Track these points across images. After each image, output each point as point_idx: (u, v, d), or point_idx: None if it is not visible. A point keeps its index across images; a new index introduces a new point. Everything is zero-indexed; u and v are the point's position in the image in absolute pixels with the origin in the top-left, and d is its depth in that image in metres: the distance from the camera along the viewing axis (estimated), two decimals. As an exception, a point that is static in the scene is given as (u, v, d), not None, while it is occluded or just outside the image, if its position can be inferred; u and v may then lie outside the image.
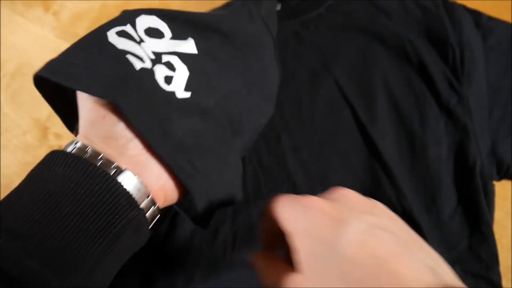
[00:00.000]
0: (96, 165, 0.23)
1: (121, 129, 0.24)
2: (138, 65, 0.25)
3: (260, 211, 0.41)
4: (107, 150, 0.24)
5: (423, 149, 0.42)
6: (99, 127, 0.24)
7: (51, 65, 0.25)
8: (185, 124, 0.26)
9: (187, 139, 0.26)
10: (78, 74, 0.24)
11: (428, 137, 0.42)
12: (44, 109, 0.51)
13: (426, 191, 0.41)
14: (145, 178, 0.24)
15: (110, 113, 0.24)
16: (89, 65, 0.25)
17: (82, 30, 0.54)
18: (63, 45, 0.53)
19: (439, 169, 0.41)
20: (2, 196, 0.48)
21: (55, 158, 0.23)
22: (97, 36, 0.26)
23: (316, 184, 0.42)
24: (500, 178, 0.42)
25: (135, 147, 0.24)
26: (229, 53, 0.29)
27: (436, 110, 0.43)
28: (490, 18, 0.46)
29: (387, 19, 0.46)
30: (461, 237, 0.40)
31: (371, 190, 0.41)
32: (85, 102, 0.25)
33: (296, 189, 0.42)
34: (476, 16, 0.46)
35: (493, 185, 0.41)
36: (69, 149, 0.24)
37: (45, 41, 0.54)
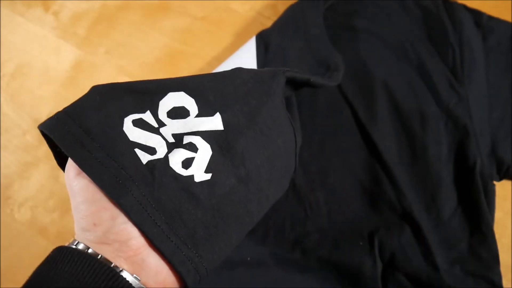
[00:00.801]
0: (101, 262, 0.23)
1: (118, 228, 0.24)
2: (145, 158, 0.25)
3: None
4: (103, 253, 0.24)
5: (423, 149, 0.42)
6: (91, 234, 0.24)
7: (66, 122, 0.25)
8: (198, 213, 0.25)
9: (197, 229, 0.25)
10: (89, 153, 0.24)
11: (428, 137, 0.42)
12: (44, 109, 0.51)
13: (426, 191, 0.41)
14: (143, 277, 0.24)
15: (107, 210, 0.24)
16: (102, 149, 0.24)
17: (82, 30, 0.54)
18: (63, 45, 0.53)
19: (439, 169, 0.41)
20: (2, 196, 0.48)
21: (61, 255, 0.23)
22: (116, 116, 0.26)
23: (316, 184, 0.42)
24: (500, 178, 0.42)
25: (133, 245, 0.24)
26: (256, 127, 0.28)
27: (436, 110, 0.43)
28: (490, 18, 0.46)
29: (387, 19, 0.46)
30: (461, 237, 0.40)
31: (371, 190, 0.41)
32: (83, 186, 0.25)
33: (296, 189, 0.42)
34: (477, 15, 0.46)
35: (493, 185, 0.41)
36: (72, 246, 0.24)
37: (45, 41, 0.54)
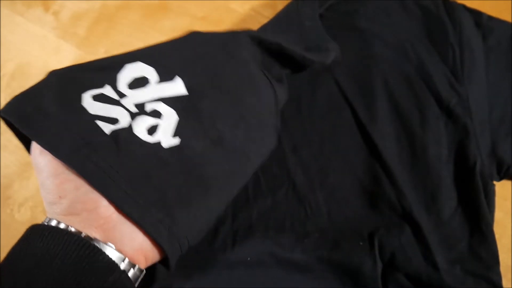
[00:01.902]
0: (71, 233, 0.23)
1: (84, 198, 0.24)
2: (108, 128, 0.25)
3: (260, 211, 0.41)
4: (73, 224, 0.24)
5: (423, 149, 0.42)
6: (58, 207, 0.24)
7: (23, 104, 0.25)
8: (168, 176, 0.25)
9: (168, 193, 0.25)
10: (46, 128, 0.24)
11: (428, 137, 0.42)
12: (44, 109, 0.51)
13: (426, 191, 0.41)
14: (118, 244, 0.24)
15: (71, 181, 0.24)
16: (58, 123, 0.24)
17: (82, 30, 0.54)
18: (63, 45, 0.53)
19: (439, 169, 0.41)
20: (2, 196, 0.48)
21: (33, 233, 0.23)
22: (74, 93, 0.26)
23: (316, 184, 0.42)
24: (500, 178, 0.42)
25: (103, 212, 0.24)
26: (221, 87, 0.28)
27: (436, 110, 0.43)
28: (490, 18, 0.45)
29: (387, 19, 0.46)
30: (461, 237, 0.40)
31: (371, 190, 0.41)
32: (45, 162, 0.25)
33: (296, 189, 0.42)
34: (476, 15, 0.46)
35: (493, 185, 0.41)
36: (45, 223, 0.24)
37: (45, 41, 0.54)
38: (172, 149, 0.26)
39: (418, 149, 0.42)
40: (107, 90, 0.26)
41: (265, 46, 0.33)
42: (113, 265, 0.23)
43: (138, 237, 0.25)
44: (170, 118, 0.26)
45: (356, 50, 0.45)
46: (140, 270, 0.25)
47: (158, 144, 0.25)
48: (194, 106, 0.27)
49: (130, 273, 0.24)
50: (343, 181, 0.42)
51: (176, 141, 0.26)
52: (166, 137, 0.26)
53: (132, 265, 0.24)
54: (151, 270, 0.39)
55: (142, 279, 0.26)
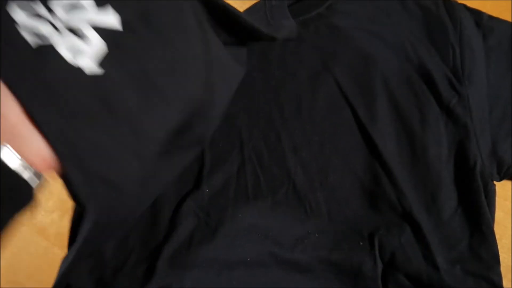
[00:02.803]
0: None
1: None
2: (32, 40, 0.24)
3: (260, 210, 0.41)
4: None
5: (423, 149, 0.42)
6: None
7: None
8: (83, 100, 0.25)
9: (79, 113, 0.24)
10: None
11: (428, 137, 0.42)
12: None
13: (427, 191, 0.41)
14: (25, 153, 0.23)
15: None
16: None
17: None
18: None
19: (439, 169, 0.41)
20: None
21: None
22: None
23: (316, 184, 0.42)
24: (500, 178, 0.42)
25: (11, 118, 0.23)
26: (154, 25, 0.28)
27: (437, 110, 0.42)
28: (491, 18, 0.45)
29: (387, 19, 0.46)
30: (462, 237, 0.40)
31: (371, 189, 0.41)
32: None
33: (296, 189, 0.42)
34: (477, 15, 0.45)
35: (493, 185, 0.41)
36: None
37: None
38: (93, 77, 0.25)
39: (418, 149, 0.42)
40: (36, 4, 0.25)
41: (212, 6, 0.33)
42: (6, 168, 0.23)
43: (38, 140, 0.24)
44: (98, 47, 0.26)
45: (356, 49, 0.45)
46: (38, 175, 0.25)
47: (80, 69, 0.25)
48: (125, 42, 0.27)
49: (26, 175, 0.24)
50: (343, 181, 0.42)
51: (99, 71, 0.26)
52: (91, 65, 0.25)
53: (29, 168, 0.24)
54: (150, 269, 0.39)
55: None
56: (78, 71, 0.25)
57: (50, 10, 0.26)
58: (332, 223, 0.41)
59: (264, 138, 0.43)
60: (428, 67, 0.43)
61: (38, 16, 0.25)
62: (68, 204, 0.44)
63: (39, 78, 0.24)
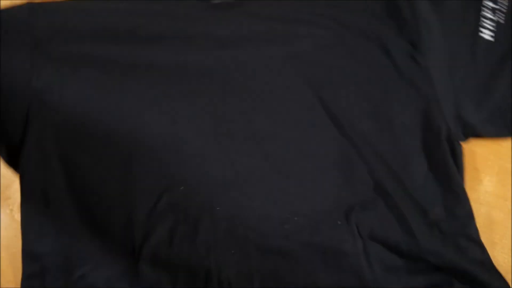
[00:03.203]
0: None
1: None
2: None
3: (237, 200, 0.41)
4: None
5: (388, 120, 0.43)
6: None
7: None
8: None
9: None
10: None
11: (393, 108, 0.43)
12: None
13: (396, 162, 0.42)
14: None
15: None
16: None
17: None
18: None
19: (406, 138, 0.42)
20: (2, 196, 0.48)
21: None
22: None
23: (289, 168, 0.42)
24: (466, 138, 0.44)
25: None
26: None
27: (398, 82, 0.43)
28: None
29: (345, 1, 0.47)
30: (435, 201, 0.41)
31: (343, 169, 0.42)
32: None
33: (270, 174, 0.42)
34: None
35: (460, 146, 0.43)
36: None
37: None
38: None
39: (384, 121, 0.43)
40: None
41: None
42: None
43: None
44: None
45: (315, 34, 0.46)
46: None
47: None
48: None
49: None
50: (315, 164, 0.42)
51: None
52: None
53: None
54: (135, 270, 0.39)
55: None
56: None
57: None
58: (309, 206, 0.41)
59: (234, 127, 0.43)
60: (387, 42, 0.45)
61: None
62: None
63: None
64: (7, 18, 0.44)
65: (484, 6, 0.46)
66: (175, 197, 0.41)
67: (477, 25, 0.45)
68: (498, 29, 0.45)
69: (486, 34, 0.44)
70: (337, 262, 0.39)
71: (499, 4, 0.46)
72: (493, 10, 0.45)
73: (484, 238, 0.40)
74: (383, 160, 0.42)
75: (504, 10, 0.45)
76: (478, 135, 0.45)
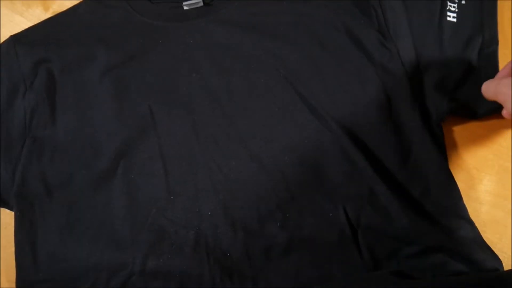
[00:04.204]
0: None
1: None
2: None
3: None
4: None
5: (367, 108, 0.43)
6: None
7: None
8: None
9: None
10: None
11: (369, 96, 0.43)
12: (44, 109, 0.51)
13: (380, 147, 0.42)
14: None
15: None
16: None
17: (82, 29, 0.54)
18: (63, 45, 0.53)
19: (384, 125, 0.43)
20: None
21: None
22: None
23: (277, 163, 0.42)
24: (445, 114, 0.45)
25: None
26: None
27: (372, 69, 0.44)
28: None
29: None
30: (423, 183, 0.42)
31: (324, 161, 0.42)
32: None
33: (258, 170, 0.42)
34: None
35: (440, 127, 0.44)
36: None
37: (45, 40, 0.54)
38: None
39: (362, 111, 0.43)
40: None
41: None
42: None
43: None
44: None
45: (288, 30, 0.46)
46: None
47: None
48: None
49: None
50: (302, 157, 0.42)
51: None
52: None
53: None
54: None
55: None
56: None
57: None
58: (298, 200, 0.41)
59: (217, 137, 0.43)
60: (357, 32, 0.45)
61: None
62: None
63: None
64: None
65: None
66: (164, 207, 0.41)
67: (444, 9, 0.45)
68: (460, 10, 0.45)
69: (450, 17, 0.45)
70: (329, 254, 0.39)
71: None
72: None
73: (484, 237, 0.40)
74: (367, 148, 0.42)
75: None
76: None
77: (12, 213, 0.46)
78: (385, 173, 0.41)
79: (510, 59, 0.45)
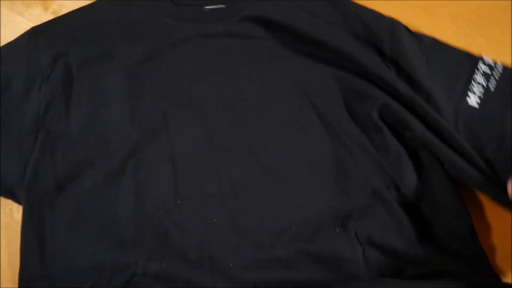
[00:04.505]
0: None
1: None
2: None
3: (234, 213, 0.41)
4: None
5: (377, 125, 0.43)
6: None
7: None
8: None
9: None
10: None
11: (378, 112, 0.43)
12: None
13: (391, 168, 0.42)
14: None
15: None
16: None
17: (81, 29, 0.54)
18: (63, 45, 0.53)
19: (395, 144, 0.42)
20: (2, 196, 0.48)
21: None
22: None
23: (286, 178, 0.42)
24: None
25: None
26: None
27: (381, 94, 0.43)
28: (434, 41, 0.47)
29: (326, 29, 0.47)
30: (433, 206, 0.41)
31: (339, 176, 0.42)
32: None
33: (268, 185, 0.42)
34: (418, 38, 0.47)
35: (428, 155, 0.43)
36: None
37: (45, 40, 0.54)
38: None
39: (373, 126, 0.43)
40: None
41: None
42: None
43: None
44: None
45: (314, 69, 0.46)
46: None
47: None
48: None
49: None
50: (311, 172, 0.42)
51: None
52: None
53: None
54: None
55: None
56: None
57: None
58: (307, 215, 0.41)
59: (227, 143, 0.43)
60: (366, 65, 0.44)
61: None
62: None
63: None
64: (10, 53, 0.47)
65: (478, 69, 0.44)
66: (170, 210, 0.41)
67: (466, 88, 0.43)
68: (486, 97, 0.43)
69: (473, 100, 0.43)
70: (336, 269, 0.39)
71: (494, 70, 0.44)
72: (486, 76, 0.43)
73: (484, 241, 0.40)
74: (378, 166, 0.42)
75: (497, 78, 0.43)
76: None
77: (12, 213, 0.46)
78: (397, 191, 0.41)
79: (510, 59, 0.45)
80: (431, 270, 0.38)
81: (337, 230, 0.40)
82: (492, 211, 0.44)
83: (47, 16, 0.55)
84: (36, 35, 0.47)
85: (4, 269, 0.44)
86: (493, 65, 0.43)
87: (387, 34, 0.46)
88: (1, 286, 0.44)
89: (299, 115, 0.44)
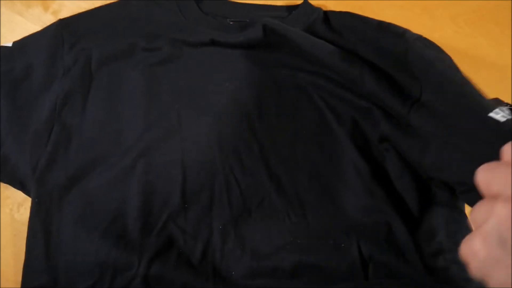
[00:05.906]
0: None
1: None
2: None
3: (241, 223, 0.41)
4: None
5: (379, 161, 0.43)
6: None
7: None
8: None
9: None
10: None
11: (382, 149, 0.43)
12: (44, 109, 0.51)
13: (396, 194, 0.42)
14: None
15: None
16: None
17: (81, 29, 0.54)
18: (63, 45, 0.53)
19: (400, 174, 0.43)
20: (2, 196, 0.48)
21: None
22: None
23: (293, 193, 0.42)
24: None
25: None
26: None
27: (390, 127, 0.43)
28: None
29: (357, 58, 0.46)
30: (438, 229, 0.41)
31: (343, 195, 0.42)
32: None
33: (275, 200, 0.42)
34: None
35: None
36: None
37: (45, 40, 0.54)
38: None
39: (379, 158, 0.43)
40: None
41: None
42: None
43: None
44: None
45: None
46: None
47: None
48: None
49: None
50: (320, 187, 0.42)
51: None
52: None
53: None
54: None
55: None
56: None
57: None
58: (312, 228, 0.41)
59: (240, 151, 0.43)
60: (381, 96, 0.43)
61: None
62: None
63: None
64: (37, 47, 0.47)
65: None
66: (176, 214, 0.41)
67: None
68: None
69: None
70: (338, 281, 0.39)
71: None
72: None
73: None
74: (389, 183, 0.42)
75: None
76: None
77: (12, 213, 0.46)
78: (404, 211, 0.41)
79: (510, 59, 0.45)
80: None
81: (343, 245, 0.40)
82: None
83: (47, 16, 0.55)
84: (63, 28, 0.47)
85: (4, 269, 0.44)
86: None
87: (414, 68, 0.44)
88: (1, 286, 0.44)
89: (315, 128, 0.44)
